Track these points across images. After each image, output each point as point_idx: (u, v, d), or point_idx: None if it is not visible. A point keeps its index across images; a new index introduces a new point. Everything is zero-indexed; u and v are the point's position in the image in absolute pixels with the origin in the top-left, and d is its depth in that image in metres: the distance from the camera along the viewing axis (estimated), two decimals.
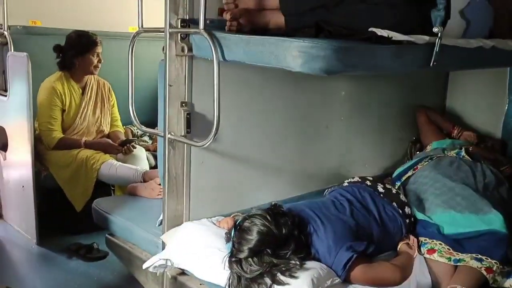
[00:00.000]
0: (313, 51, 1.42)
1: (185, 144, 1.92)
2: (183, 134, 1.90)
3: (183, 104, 1.90)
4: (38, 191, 2.91)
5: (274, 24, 1.89)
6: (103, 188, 3.01)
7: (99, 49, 3.09)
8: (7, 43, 3.10)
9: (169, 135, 1.88)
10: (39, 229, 2.94)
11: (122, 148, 3.11)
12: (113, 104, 3.35)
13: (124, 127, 3.64)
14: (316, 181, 2.49)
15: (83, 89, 3.17)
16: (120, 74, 3.55)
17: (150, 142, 3.69)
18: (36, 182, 2.91)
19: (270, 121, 2.26)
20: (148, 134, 3.67)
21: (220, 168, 2.09)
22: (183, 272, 1.90)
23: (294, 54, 1.45)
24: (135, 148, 3.19)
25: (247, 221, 1.65)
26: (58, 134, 3.03)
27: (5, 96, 3.05)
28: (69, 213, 2.97)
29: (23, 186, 3.02)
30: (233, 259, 1.61)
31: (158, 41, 2.00)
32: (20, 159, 3.03)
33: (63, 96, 3.05)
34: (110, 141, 3.16)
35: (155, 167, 3.14)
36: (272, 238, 1.61)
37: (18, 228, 3.14)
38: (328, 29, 1.70)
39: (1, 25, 3.09)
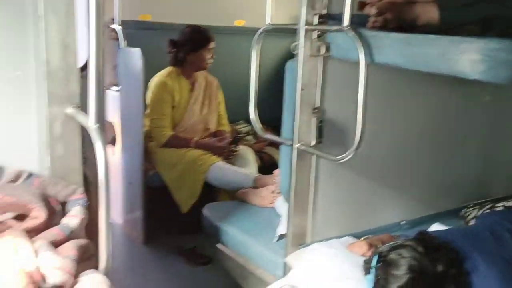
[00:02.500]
0: (502, 54, 1.14)
1: (314, 156, 1.71)
2: (313, 144, 1.69)
3: (315, 110, 1.68)
4: (145, 189, 2.87)
5: (424, 20, 1.60)
6: (209, 188, 2.90)
7: (212, 45, 2.97)
8: (118, 38, 3.09)
9: (298, 145, 1.68)
10: (146, 228, 2.90)
11: (230, 150, 2.97)
12: (220, 101, 3.23)
13: (230, 124, 3.53)
14: (452, 199, 2.18)
15: (192, 85, 3.07)
16: (225, 70, 3.47)
17: (253, 141, 3.54)
18: (144, 179, 2.87)
19: (405, 131, 1.99)
20: (252, 132, 3.52)
21: (348, 182, 1.86)
22: None
23: (474, 58, 1.17)
24: (236, 151, 3.04)
25: (393, 252, 1.41)
26: (169, 131, 2.96)
27: (116, 91, 3.03)
28: (175, 213, 2.89)
29: (130, 183, 2.99)
30: None
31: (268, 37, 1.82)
32: (129, 155, 3.00)
33: (174, 92, 2.97)
34: (220, 144, 3.02)
35: (261, 169, 2.99)
36: (426, 276, 1.35)
37: (125, 225, 3.14)
38: (502, 26, 1.39)
39: (113, 20, 3.07)
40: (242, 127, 3.60)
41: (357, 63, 1.46)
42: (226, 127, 3.26)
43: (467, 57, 1.19)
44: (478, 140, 2.26)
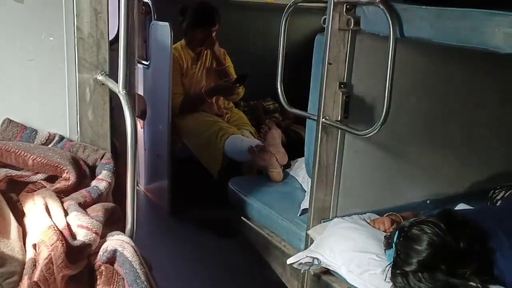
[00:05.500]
0: None
1: (340, 131, 1.70)
2: (339, 119, 1.68)
3: (342, 86, 1.67)
4: (172, 162, 2.92)
5: None
6: (235, 163, 2.92)
7: (214, 28, 2.99)
8: (150, 12, 3.11)
9: (323, 120, 1.68)
10: (172, 199, 2.96)
11: (238, 85, 3.02)
12: (228, 66, 3.23)
13: (256, 101, 3.54)
14: (480, 179, 2.14)
15: (198, 55, 3.10)
16: (254, 47, 3.47)
17: (280, 118, 3.54)
18: (171, 152, 2.92)
19: (432, 108, 1.95)
20: (279, 110, 3.52)
21: (373, 159, 1.85)
22: (327, 271, 1.72)
23: (508, 31, 1.14)
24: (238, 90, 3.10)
25: (415, 227, 1.40)
26: (180, 96, 3.01)
27: (146, 65, 3.07)
28: (201, 185, 2.94)
29: (158, 155, 3.05)
30: (398, 271, 1.38)
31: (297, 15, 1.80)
32: (157, 128, 3.05)
33: (181, 61, 3.01)
34: (226, 84, 3.08)
35: (288, 147, 2.99)
36: (447, 252, 1.35)
37: (152, 196, 3.21)
38: None
39: None
40: (269, 104, 3.60)
41: (386, 37, 1.44)
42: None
43: (502, 30, 1.16)
44: (509, 122, 2.20)
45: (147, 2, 3.10)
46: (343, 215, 1.78)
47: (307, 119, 1.87)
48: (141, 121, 3.20)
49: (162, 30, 2.81)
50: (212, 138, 2.86)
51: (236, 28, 3.43)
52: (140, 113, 3.20)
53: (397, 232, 1.46)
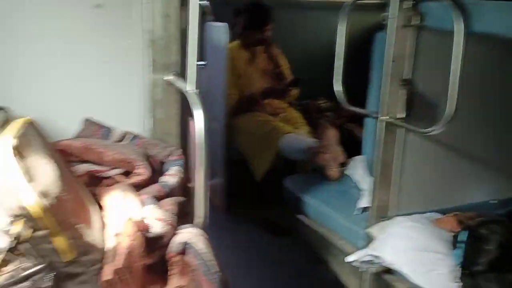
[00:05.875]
0: None
1: (401, 129, 1.69)
2: (401, 116, 1.67)
3: (404, 83, 1.66)
4: (227, 160, 2.97)
5: None
6: (288, 162, 2.94)
7: (269, 27, 3.01)
8: (205, 13, 3.18)
9: (385, 118, 1.67)
10: (226, 197, 3.01)
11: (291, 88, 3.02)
12: (283, 67, 3.24)
13: (309, 100, 3.54)
14: None
15: (252, 55, 3.13)
16: (308, 45, 3.47)
17: (334, 117, 3.52)
18: (226, 151, 2.97)
19: (496, 105, 1.90)
20: (332, 108, 3.51)
21: (435, 157, 1.82)
22: (388, 270, 1.71)
23: None
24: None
25: (483, 227, 1.38)
26: (235, 96, 3.05)
27: (202, 65, 3.13)
28: (255, 184, 2.98)
29: (213, 152, 3.10)
30: (467, 271, 1.36)
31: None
32: (212, 127, 3.11)
33: (236, 62, 3.05)
34: (279, 87, 3.09)
35: (342, 145, 2.98)
36: None
37: None
38: None
39: None
40: (322, 103, 3.59)
41: (449, 32, 1.42)
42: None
43: None
44: None
45: (203, 3, 3.17)
46: (404, 214, 1.76)
47: (365, 118, 1.86)
48: (193, 120, 3.28)
49: (218, 31, 2.86)
50: (266, 137, 2.89)
51: (289, 28, 3.44)
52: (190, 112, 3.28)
53: (465, 232, 1.43)
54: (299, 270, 2.41)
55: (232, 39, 3.04)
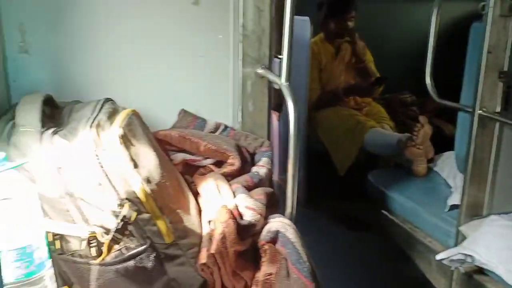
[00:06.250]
0: None
1: (498, 123, 1.61)
2: (498, 110, 1.59)
3: (502, 75, 1.58)
4: (307, 154, 2.98)
5: None
6: (370, 156, 2.89)
7: (352, 14, 2.94)
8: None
9: (480, 112, 1.60)
10: (306, 191, 3.02)
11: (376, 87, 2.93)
12: (368, 61, 3.17)
13: (392, 94, 3.46)
14: None
15: (337, 49, 3.08)
16: (393, 37, 3.39)
17: (418, 111, 3.41)
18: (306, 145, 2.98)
19: None
20: (417, 104, 3.40)
21: None
22: (479, 270, 1.64)
23: None
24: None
25: None
26: (317, 92, 3.03)
27: (279, 58, 3.16)
28: (336, 179, 2.96)
29: None
30: None
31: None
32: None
33: (320, 56, 3.03)
34: (364, 84, 3.04)
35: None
36: None
37: (285, 186, 3.29)
38: None
39: None
40: (406, 97, 3.49)
41: None
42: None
43: None
44: None
45: None
46: (499, 212, 1.68)
47: (458, 112, 1.79)
48: (277, 114, 3.31)
49: (301, 24, 2.87)
50: (350, 131, 2.86)
51: (373, 20, 3.38)
52: (276, 106, 3.32)
53: None
54: (381, 267, 2.38)
55: (315, 33, 3.03)
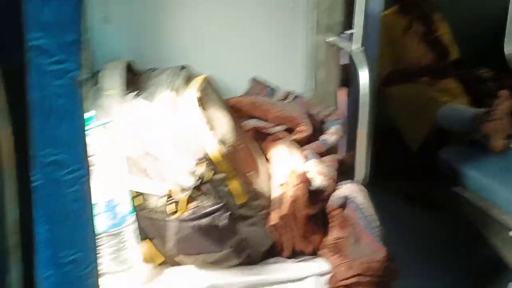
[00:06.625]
0: None
1: None
2: None
3: None
4: (375, 130, 2.92)
5: None
6: (441, 133, 2.79)
7: None
8: None
9: None
10: (372, 168, 2.96)
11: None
12: (443, 34, 3.01)
13: (467, 69, 3.29)
14: None
15: (410, 22, 2.96)
16: (460, 8, 3.22)
17: (495, 88, 3.23)
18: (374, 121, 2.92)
19: None
20: (493, 79, 3.22)
21: None
22: None
23: None
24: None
25: None
26: (386, 68, 2.94)
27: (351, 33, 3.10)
28: (404, 156, 2.88)
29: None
30: None
31: None
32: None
33: (391, 30, 2.92)
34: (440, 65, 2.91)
35: None
36: None
37: (351, 163, 3.26)
38: None
39: None
40: (482, 72, 3.31)
41: None
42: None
43: None
44: None
45: None
46: None
47: None
48: (346, 90, 3.26)
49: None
50: (423, 107, 2.77)
51: None
52: (344, 82, 3.27)
53: None
54: (453, 246, 2.30)
55: (387, 7, 2.94)
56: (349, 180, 1.25)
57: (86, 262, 0.71)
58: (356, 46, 1.25)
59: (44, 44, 0.60)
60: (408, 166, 2.88)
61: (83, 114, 0.67)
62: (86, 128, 0.69)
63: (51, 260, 0.64)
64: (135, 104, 1.08)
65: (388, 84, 2.96)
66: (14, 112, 0.48)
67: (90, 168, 0.71)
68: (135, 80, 1.21)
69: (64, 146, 0.65)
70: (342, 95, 3.46)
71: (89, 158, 0.70)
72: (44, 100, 0.61)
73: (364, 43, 2.94)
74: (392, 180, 2.94)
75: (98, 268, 0.74)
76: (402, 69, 2.95)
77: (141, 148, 1.05)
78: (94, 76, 1.18)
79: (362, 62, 1.21)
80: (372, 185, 2.95)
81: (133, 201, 1.08)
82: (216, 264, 1.10)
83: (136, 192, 1.07)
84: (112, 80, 1.14)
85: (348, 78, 3.40)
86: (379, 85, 2.92)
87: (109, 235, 1.04)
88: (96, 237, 0.75)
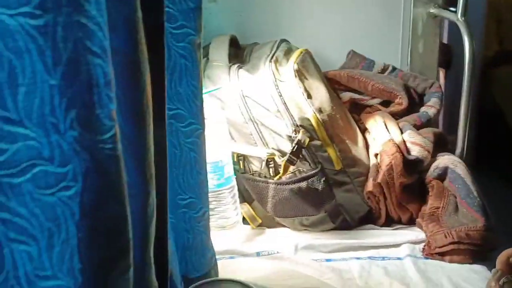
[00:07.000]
0: None
1: None
2: None
3: None
4: (478, 113, 2.78)
5: None
6: None
7: None
8: None
9: None
10: (476, 152, 2.83)
11: None
12: None
13: None
14: None
15: None
16: None
17: None
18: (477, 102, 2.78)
19: None
20: None
21: None
22: None
23: None
24: None
25: None
26: (494, 47, 2.76)
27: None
28: (508, 140, 2.72)
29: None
30: None
31: None
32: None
33: (499, 7, 2.73)
34: None
35: None
36: None
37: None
38: None
39: None
40: None
41: None
42: None
43: None
44: None
45: None
46: None
47: None
48: (444, 71, 3.13)
49: None
50: None
51: None
52: (444, 62, 3.14)
53: None
54: None
55: None
56: (448, 153, 1.23)
57: (199, 206, 0.80)
58: (461, 14, 1.22)
59: (171, 10, 0.68)
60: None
61: (200, 75, 0.76)
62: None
63: (170, 203, 0.73)
64: (240, 75, 1.16)
65: (494, 65, 2.80)
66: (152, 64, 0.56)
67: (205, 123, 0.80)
68: (239, 54, 1.29)
69: (183, 102, 0.74)
70: (441, 76, 3.34)
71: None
72: (169, 59, 0.70)
73: (469, 18, 2.81)
74: (497, 165, 2.79)
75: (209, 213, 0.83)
76: (510, 49, 2.78)
77: (245, 114, 1.13)
78: (204, 49, 1.28)
79: (467, 32, 1.18)
80: (476, 169, 2.84)
81: (235, 164, 1.16)
82: (311, 227, 1.16)
83: (240, 155, 1.16)
84: (220, 52, 1.23)
85: (446, 59, 3.28)
86: (485, 66, 2.78)
87: (212, 195, 1.13)
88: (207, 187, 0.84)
